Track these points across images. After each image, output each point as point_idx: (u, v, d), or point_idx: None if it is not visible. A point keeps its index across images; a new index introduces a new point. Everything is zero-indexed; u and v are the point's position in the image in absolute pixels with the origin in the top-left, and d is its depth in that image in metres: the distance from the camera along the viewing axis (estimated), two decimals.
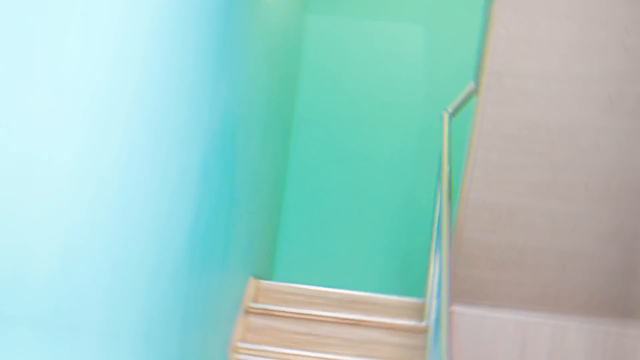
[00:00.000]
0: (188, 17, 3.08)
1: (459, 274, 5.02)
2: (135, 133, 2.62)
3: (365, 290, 5.45)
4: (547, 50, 4.26)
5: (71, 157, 2.12)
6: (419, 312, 5.09)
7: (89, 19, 2.16)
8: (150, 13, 2.65)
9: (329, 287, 5.30)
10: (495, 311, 5.21)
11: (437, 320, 3.69)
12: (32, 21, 1.84)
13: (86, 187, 2.25)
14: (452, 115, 5.05)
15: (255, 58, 4.54)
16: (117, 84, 2.41)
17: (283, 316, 4.80)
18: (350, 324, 4.80)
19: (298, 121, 6.29)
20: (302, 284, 5.35)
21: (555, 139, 4.47)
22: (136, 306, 2.81)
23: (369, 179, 6.19)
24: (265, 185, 5.31)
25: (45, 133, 1.96)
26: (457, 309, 5.19)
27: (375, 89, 6.23)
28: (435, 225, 4.77)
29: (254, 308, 4.84)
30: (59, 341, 2.17)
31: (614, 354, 5.17)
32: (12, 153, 1.81)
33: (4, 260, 1.84)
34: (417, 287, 5.84)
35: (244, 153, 4.45)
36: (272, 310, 4.82)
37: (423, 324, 4.78)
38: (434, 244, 4.72)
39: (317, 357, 4.63)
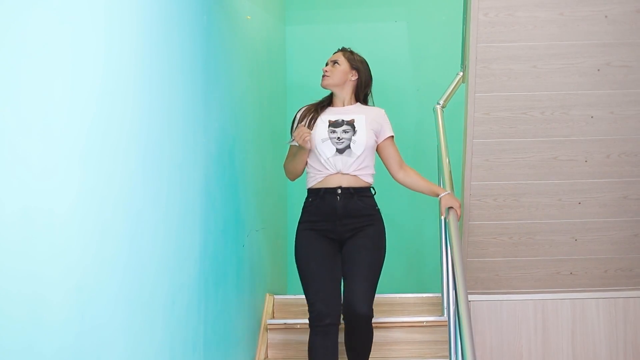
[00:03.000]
0: (171, 42, 3.09)
1: (471, 264, 5.02)
2: (134, 168, 2.63)
3: (381, 292, 5.44)
4: (530, 29, 4.27)
5: (72, 203, 2.13)
6: (437, 306, 5.09)
7: (75, 62, 2.16)
8: (134, 43, 2.66)
9: None
10: (512, 295, 5.21)
11: (456, 312, 3.69)
12: (17, 72, 1.85)
13: (92, 230, 2.26)
14: (444, 107, 5.06)
15: (242, 75, 4.55)
16: (108, 122, 2.41)
17: (304, 329, 4.79)
18: None
19: None
20: None
21: (549, 116, 4.48)
22: (155, 337, 2.81)
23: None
24: (268, 200, 5.32)
25: (42, 184, 1.96)
26: (474, 298, 5.19)
27: None
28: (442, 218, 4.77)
29: (273, 324, 4.84)
30: None
31: (636, 319, 5.17)
32: (14, 209, 1.82)
33: (24, 303, 1.84)
34: (431, 282, 5.84)
35: (243, 171, 4.46)
36: (291, 325, 4.81)
37: (442, 318, 4.78)
38: (443, 237, 4.72)
39: None
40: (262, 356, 4.67)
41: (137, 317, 2.61)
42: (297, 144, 4.20)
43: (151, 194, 2.80)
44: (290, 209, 6.18)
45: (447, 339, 4.49)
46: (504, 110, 4.47)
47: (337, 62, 4.38)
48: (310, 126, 4.23)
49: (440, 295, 5.01)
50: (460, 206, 4.26)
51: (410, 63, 6.43)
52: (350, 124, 4.23)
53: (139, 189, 2.67)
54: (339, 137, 4.20)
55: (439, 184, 4.84)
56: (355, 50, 4.51)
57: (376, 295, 4.11)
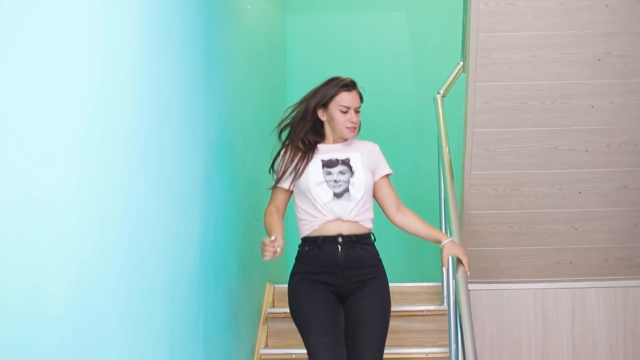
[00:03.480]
0: (171, 32, 3.09)
1: (471, 253, 5.03)
2: (134, 158, 2.63)
3: None
4: (530, 19, 4.27)
5: (72, 194, 2.13)
6: (437, 295, 5.09)
7: (75, 52, 2.16)
8: (134, 33, 2.66)
9: None
10: (512, 284, 5.22)
11: (456, 301, 3.70)
12: (17, 63, 1.85)
13: (92, 220, 2.26)
14: (445, 96, 5.06)
15: (241, 64, 4.55)
16: (108, 112, 2.41)
17: None
18: None
19: None
20: None
21: (549, 106, 4.47)
22: (156, 325, 2.82)
23: None
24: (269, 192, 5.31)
25: (42, 174, 1.97)
26: (474, 287, 5.19)
27: (364, 80, 6.20)
28: (442, 207, 4.78)
29: (273, 313, 4.84)
30: None
31: (636, 308, 5.18)
32: (13, 198, 1.82)
33: (24, 295, 1.85)
34: (431, 271, 5.85)
35: (243, 160, 4.46)
36: None
37: (442, 307, 4.79)
38: (443, 226, 4.73)
39: None
40: (263, 345, 4.68)
41: (137, 307, 2.62)
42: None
43: (151, 184, 2.80)
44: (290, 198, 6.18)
45: (447, 328, 4.50)
46: (504, 99, 4.47)
47: (358, 110, 3.84)
48: (301, 171, 3.70)
49: (440, 284, 5.02)
50: (465, 254, 3.77)
51: (411, 52, 6.43)
52: (346, 163, 3.73)
53: (139, 179, 2.67)
54: (335, 180, 3.68)
55: (439, 174, 4.83)
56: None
57: None
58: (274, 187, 3.82)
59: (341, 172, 3.69)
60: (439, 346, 4.66)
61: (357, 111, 3.81)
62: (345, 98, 3.78)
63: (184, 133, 3.24)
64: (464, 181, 4.76)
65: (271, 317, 4.83)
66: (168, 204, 2.99)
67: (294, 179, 3.73)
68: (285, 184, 3.77)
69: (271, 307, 4.95)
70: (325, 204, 3.66)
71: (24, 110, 1.88)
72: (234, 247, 4.15)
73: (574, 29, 4.29)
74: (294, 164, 3.74)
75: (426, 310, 4.82)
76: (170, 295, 2.99)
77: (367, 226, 3.73)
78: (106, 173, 2.37)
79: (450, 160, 4.64)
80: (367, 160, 3.78)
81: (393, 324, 4.79)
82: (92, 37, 2.30)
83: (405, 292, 5.15)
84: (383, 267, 3.74)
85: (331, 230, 3.65)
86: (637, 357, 5.14)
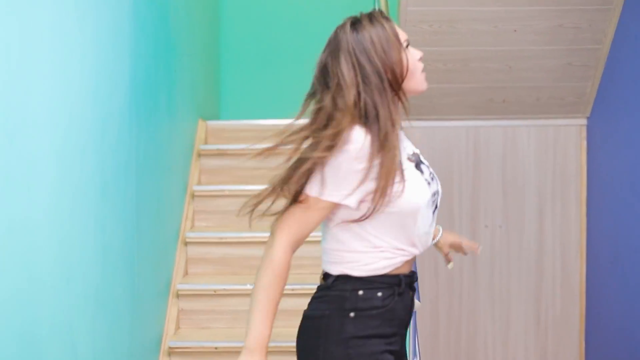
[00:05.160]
0: None
1: None
2: None
3: None
4: None
5: None
6: None
7: None
8: None
9: (280, 118, 5.27)
10: (445, 122, 5.25)
11: None
12: None
13: (18, 57, 2.18)
14: None
15: None
16: None
17: (236, 154, 4.77)
18: None
19: None
20: (251, 119, 5.26)
21: None
22: (86, 164, 2.78)
23: (308, 6, 6.09)
24: (200, 26, 5.20)
25: None
26: (406, 124, 5.21)
27: None
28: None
29: (205, 150, 4.81)
30: (14, 199, 2.15)
31: (564, 145, 5.26)
32: None
33: None
34: None
35: None
36: (224, 150, 4.79)
37: None
38: None
39: None
40: (195, 181, 4.66)
41: (67, 145, 2.57)
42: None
43: (77, 17, 2.70)
44: (222, 30, 6.06)
45: None
46: None
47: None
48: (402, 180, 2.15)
49: None
50: (461, 237, 2.68)
51: None
52: (424, 161, 2.35)
53: (64, 13, 2.57)
54: (435, 192, 2.28)
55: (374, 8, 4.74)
56: None
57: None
58: (312, 203, 2.16)
59: (433, 178, 2.31)
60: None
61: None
62: (400, 31, 2.29)
63: None
64: (399, 17, 4.70)
65: (203, 154, 4.80)
66: (96, 38, 2.89)
67: (383, 195, 2.11)
68: (349, 199, 2.13)
69: (203, 144, 4.90)
70: (426, 233, 2.25)
71: None
72: (166, 83, 4.08)
73: None
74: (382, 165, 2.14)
75: None
76: (101, 132, 2.94)
77: None
78: (30, 5, 2.27)
79: None
80: None
81: None
82: None
83: None
84: None
85: (406, 268, 2.24)
86: (565, 194, 5.25)
